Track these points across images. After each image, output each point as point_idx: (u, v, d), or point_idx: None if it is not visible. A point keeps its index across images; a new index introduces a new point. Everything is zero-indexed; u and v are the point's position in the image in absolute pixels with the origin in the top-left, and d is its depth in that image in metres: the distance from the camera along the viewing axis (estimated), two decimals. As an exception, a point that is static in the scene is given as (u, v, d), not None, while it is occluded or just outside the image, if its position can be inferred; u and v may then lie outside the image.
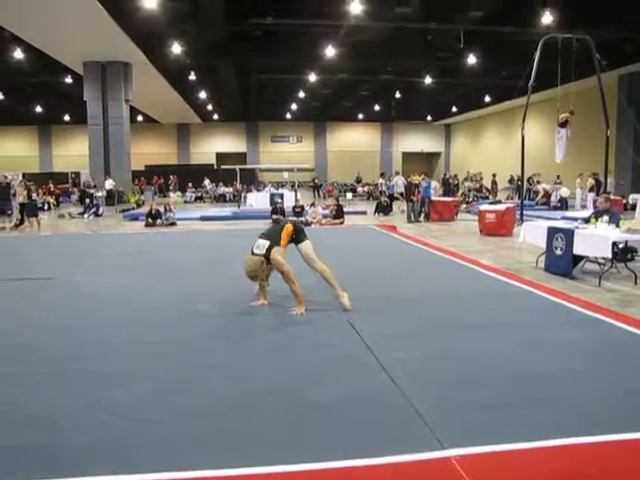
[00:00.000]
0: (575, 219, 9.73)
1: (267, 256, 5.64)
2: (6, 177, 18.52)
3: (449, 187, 30.17)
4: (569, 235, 8.00)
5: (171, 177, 34.88)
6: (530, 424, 3.23)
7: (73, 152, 40.60)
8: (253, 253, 5.69)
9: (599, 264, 8.11)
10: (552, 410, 3.44)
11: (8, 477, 2.75)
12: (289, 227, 5.88)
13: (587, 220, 8.59)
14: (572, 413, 3.38)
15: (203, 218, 19.22)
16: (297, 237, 5.90)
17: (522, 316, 5.72)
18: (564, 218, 11.82)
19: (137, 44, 20.83)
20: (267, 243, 5.66)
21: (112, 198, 25.32)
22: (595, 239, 7.67)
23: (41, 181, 28.85)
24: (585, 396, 3.64)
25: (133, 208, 23.10)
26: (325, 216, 17.29)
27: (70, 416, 3.43)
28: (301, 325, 5.40)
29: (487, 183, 28.77)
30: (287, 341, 4.95)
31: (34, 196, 17.22)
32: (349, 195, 26.97)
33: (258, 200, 23.31)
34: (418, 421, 3.29)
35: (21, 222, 16.50)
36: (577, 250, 7.91)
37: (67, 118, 40.28)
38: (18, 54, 21.61)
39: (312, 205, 18.19)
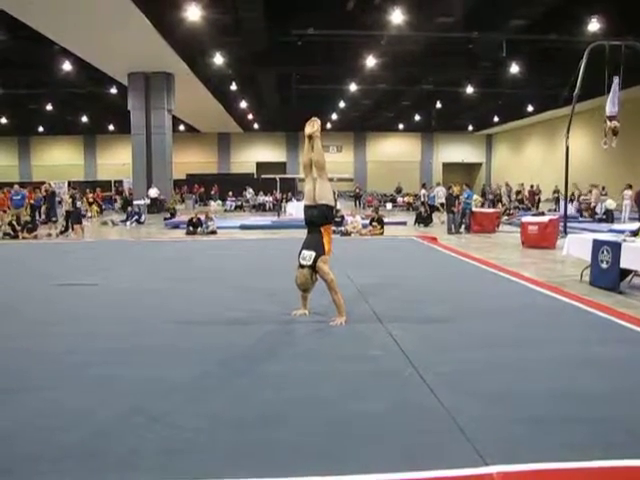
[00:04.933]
0: (622, 232, 9.46)
1: (314, 266, 5.61)
2: (50, 185, 19.11)
3: (489, 199, 29.96)
4: (616, 248, 7.77)
5: (197, 186, 35.47)
6: (577, 443, 3.12)
7: (117, 161, 41.50)
8: (301, 265, 5.64)
9: (648, 278, 7.87)
10: (601, 429, 3.31)
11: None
12: (328, 230, 5.83)
13: (635, 232, 8.34)
14: (622, 434, 3.25)
15: (243, 227, 19.37)
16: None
17: (567, 331, 5.56)
18: (611, 230, 11.51)
19: (180, 55, 21.24)
20: (313, 254, 5.59)
21: (155, 206, 25.77)
22: (644, 252, 7.43)
23: (85, 189, 29.57)
24: (634, 417, 3.49)
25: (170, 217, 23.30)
26: (364, 226, 17.22)
27: (111, 421, 3.46)
28: (341, 336, 5.35)
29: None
30: (327, 352, 4.92)
31: (78, 204, 17.64)
32: (389, 205, 26.91)
33: (298, 209, 23.37)
34: (459, 436, 3.21)
35: (66, 229, 16.92)
36: (624, 264, 7.67)
37: (111, 128, 41.27)
38: (67, 66, 22.26)
39: (351, 215, 18.15)
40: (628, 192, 20.55)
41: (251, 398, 3.82)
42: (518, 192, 30.45)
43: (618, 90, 14.31)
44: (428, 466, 2.87)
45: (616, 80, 14.24)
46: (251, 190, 33.84)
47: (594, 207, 22.12)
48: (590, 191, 23.08)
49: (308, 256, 5.61)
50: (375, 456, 3.00)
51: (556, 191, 26.94)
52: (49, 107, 33.07)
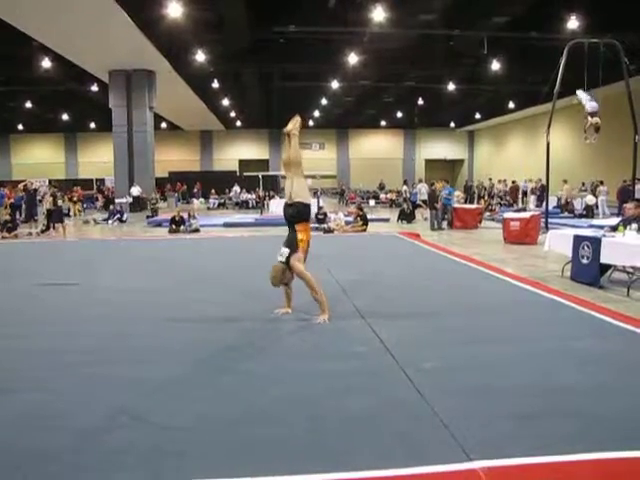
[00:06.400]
0: (602, 227, 9.58)
1: (288, 263, 5.62)
2: (31, 183, 18.88)
3: (472, 195, 30.20)
4: (596, 243, 7.86)
5: (180, 183, 35.38)
6: (559, 437, 3.16)
7: (98, 159, 41.18)
8: (280, 261, 5.67)
9: (628, 273, 7.97)
10: (582, 423, 3.36)
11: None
12: (303, 227, 5.75)
13: (615, 228, 8.44)
14: (603, 427, 3.30)
15: (226, 225, 19.32)
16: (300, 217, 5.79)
17: (549, 326, 5.62)
18: (591, 226, 11.65)
19: (162, 53, 21.11)
20: (287, 251, 5.63)
21: (137, 204, 25.57)
22: (624, 247, 7.52)
23: (67, 187, 29.25)
24: (616, 410, 3.54)
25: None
26: (347, 223, 17.26)
27: (96, 421, 3.43)
28: (325, 333, 5.36)
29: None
30: (311, 349, 4.92)
31: (60, 202, 17.46)
32: (372, 202, 26.97)
33: (280, 207, 23.31)
34: (444, 432, 3.23)
35: (47, 228, 16.75)
36: (604, 259, 7.77)
37: (92, 125, 40.90)
38: (46, 63, 22.01)
39: (334, 212, 18.19)
40: (603, 188, 20.87)
41: (236, 397, 3.82)
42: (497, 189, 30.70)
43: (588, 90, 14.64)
44: (413, 462, 2.89)
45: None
46: (237, 188, 33.70)
47: (568, 202, 22.34)
48: (593, 185, 23.37)
49: (284, 252, 5.65)
50: (359, 453, 3.01)
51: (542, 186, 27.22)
52: (28, 104, 32.68)
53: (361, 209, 17.97)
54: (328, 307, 5.77)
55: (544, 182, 20.92)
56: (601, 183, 21.22)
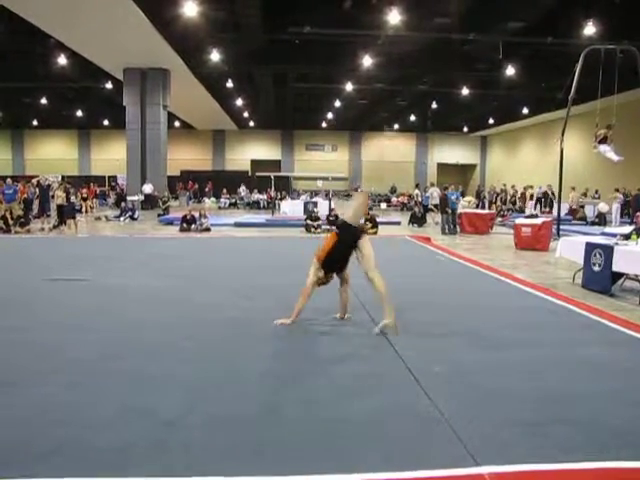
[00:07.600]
0: (614, 235, 9.51)
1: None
2: (46, 179, 18.98)
3: (482, 200, 30.08)
4: (608, 251, 7.81)
5: (192, 182, 35.51)
6: (567, 444, 3.14)
7: (111, 156, 41.33)
8: None
9: None
10: (590, 431, 3.33)
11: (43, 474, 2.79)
12: (331, 235, 5.80)
13: (627, 236, 8.39)
14: (610, 435, 3.27)
15: (237, 224, 19.37)
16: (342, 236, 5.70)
17: (558, 333, 5.59)
18: (603, 234, 11.57)
19: (177, 51, 21.17)
20: None
21: (149, 202, 25.68)
22: (636, 256, 7.47)
23: (80, 184, 29.45)
24: (624, 418, 3.52)
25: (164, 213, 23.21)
26: (358, 225, 17.23)
27: (103, 417, 3.45)
28: (336, 337, 5.36)
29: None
30: (321, 352, 4.93)
31: (72, 199, 17.56)
32: (383, 205, 26.93)
33: (292, 208, 23.39)
34: (452, 436, 3.23)
35: (59, 224, 16.85)
36: (616, 267, 7.71)
37: (106, 123, 41.06)
38: (62, 60, 22.11)
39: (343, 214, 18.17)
40: (619, 195, 20.73)
41: (245, 397, 3.83)
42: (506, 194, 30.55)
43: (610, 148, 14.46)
44: (420, 466, 2.88)
45: (603, 146, 14.39)
46: (244, 187, 33.77)
47: (575, 210, 22.20)
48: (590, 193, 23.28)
49: None
50: (367, 455, 3.01)
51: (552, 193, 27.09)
52: (43, 101, 32.85)
53: (368, 212, 17.95)
54: (297, 318, 5.66)
55: (552, 189, 20.91)
56: (616, 190, 21.05)
